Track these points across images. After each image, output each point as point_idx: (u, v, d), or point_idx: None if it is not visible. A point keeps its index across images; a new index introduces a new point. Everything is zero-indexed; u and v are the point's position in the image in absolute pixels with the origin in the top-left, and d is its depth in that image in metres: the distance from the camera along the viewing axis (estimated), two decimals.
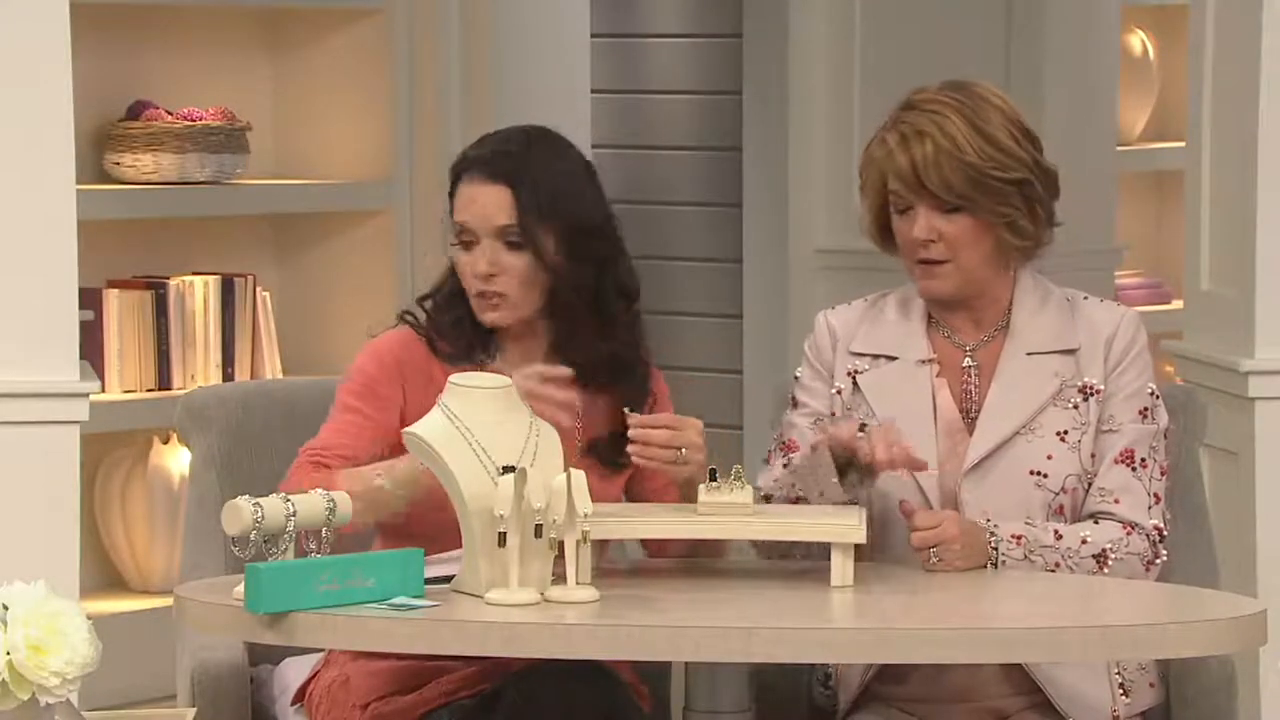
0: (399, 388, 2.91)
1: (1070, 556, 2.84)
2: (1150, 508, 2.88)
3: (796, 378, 2.98)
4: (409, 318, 2.96)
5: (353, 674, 2.87)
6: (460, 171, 2.93)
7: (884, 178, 2.89)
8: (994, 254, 2.90)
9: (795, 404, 2.97)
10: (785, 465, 2.87)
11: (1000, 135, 2.86)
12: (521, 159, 2.89)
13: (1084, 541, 2.85)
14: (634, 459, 2.80)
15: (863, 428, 2.75)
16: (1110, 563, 2.85)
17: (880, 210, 2.92)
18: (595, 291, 2.90)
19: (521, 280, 2.88)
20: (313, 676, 2.95)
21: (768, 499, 2.85)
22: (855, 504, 2.79)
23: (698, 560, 2.93)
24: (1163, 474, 2.91)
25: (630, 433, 2.77)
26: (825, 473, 2.78)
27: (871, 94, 5.69)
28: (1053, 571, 2.83)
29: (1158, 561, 2.89)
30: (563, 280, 2.88)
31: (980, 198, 2.84)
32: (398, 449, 2.83)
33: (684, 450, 2.77)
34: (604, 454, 2.91)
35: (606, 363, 2.92)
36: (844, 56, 5.76)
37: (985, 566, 2.82)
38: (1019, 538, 2.83)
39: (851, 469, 2.80)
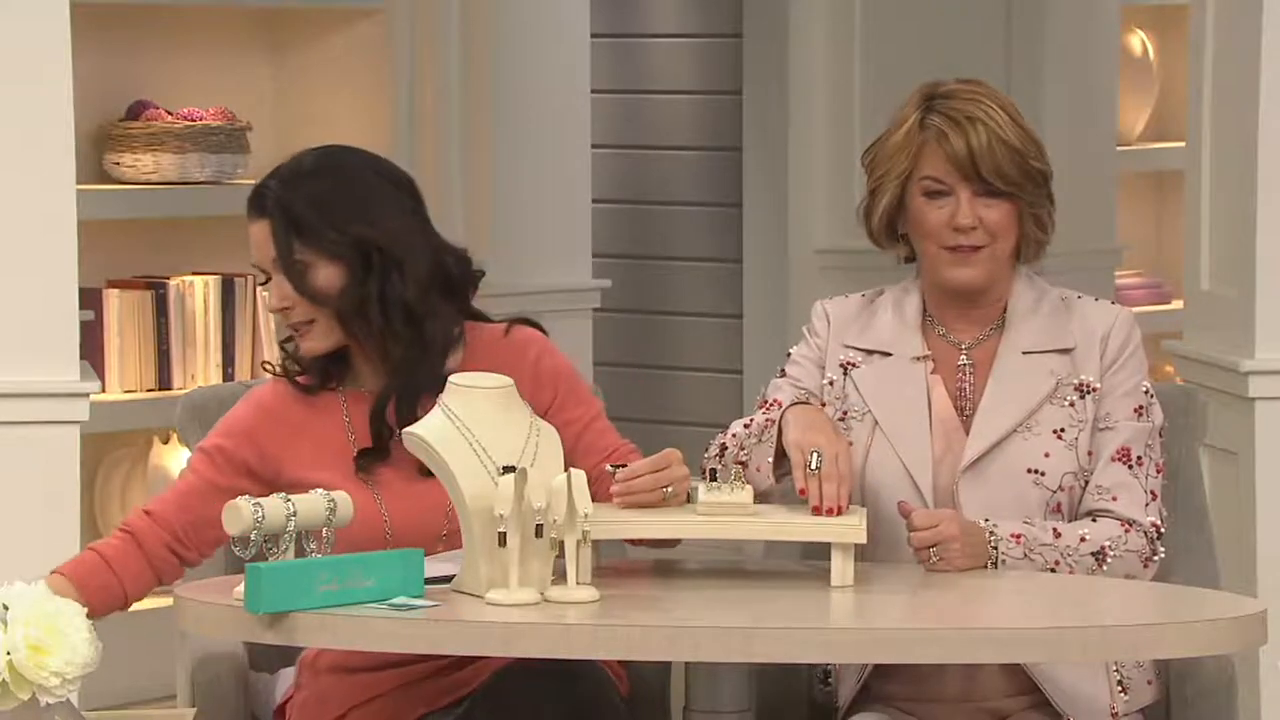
0: (252, 446, 2.89)
1: (1069, 555, 2.84)
2: (1147, 505, 2.89)
3: (789, 354, 2.99)
4: (266, 366, 2.98)
5: (326, 688, 2.86)
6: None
7: (915, 164, 2.88)
8: (1016, 246, 2.91)
9: (783, 373, 2.97)
10: (746, 426, 2.87)
11: (1027, 126, 2.89)
12: (278, 190, 2.87)
13: (1082, 539, 2.85)
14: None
15: (817, 463, 2.72)
16: (1109, 560, 2.85)
17: (897, 201, 2.92)
18: (383, 305, 2.85)
19: (310, 307, 2.87)
20: (287, 699, 2.93)
21: (724, 449, 2.85)
22: (770, 494, 2.80)
23: (699, 560, 2.93)
24: (1158, 472, 2.91)
25: (613, 489, 2.74)
26: (761, 457, 2.79)
27: (871, 94, 5.69)
28: (1052, 570, 2.83)
29: (1155, 558, 2.89)
30: (340, 303, 2.85)
31: (1025, 184, 2.86)
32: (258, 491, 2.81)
33: (670, 488, 2.75)
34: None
35: (419, 361, 2.86)
36: (844, 57, 5.76)
37: (985, 566, 2.82)
38: (1018, 536, 2.83)
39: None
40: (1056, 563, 2.83)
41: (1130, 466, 2.88)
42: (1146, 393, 2.93)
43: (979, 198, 2.87)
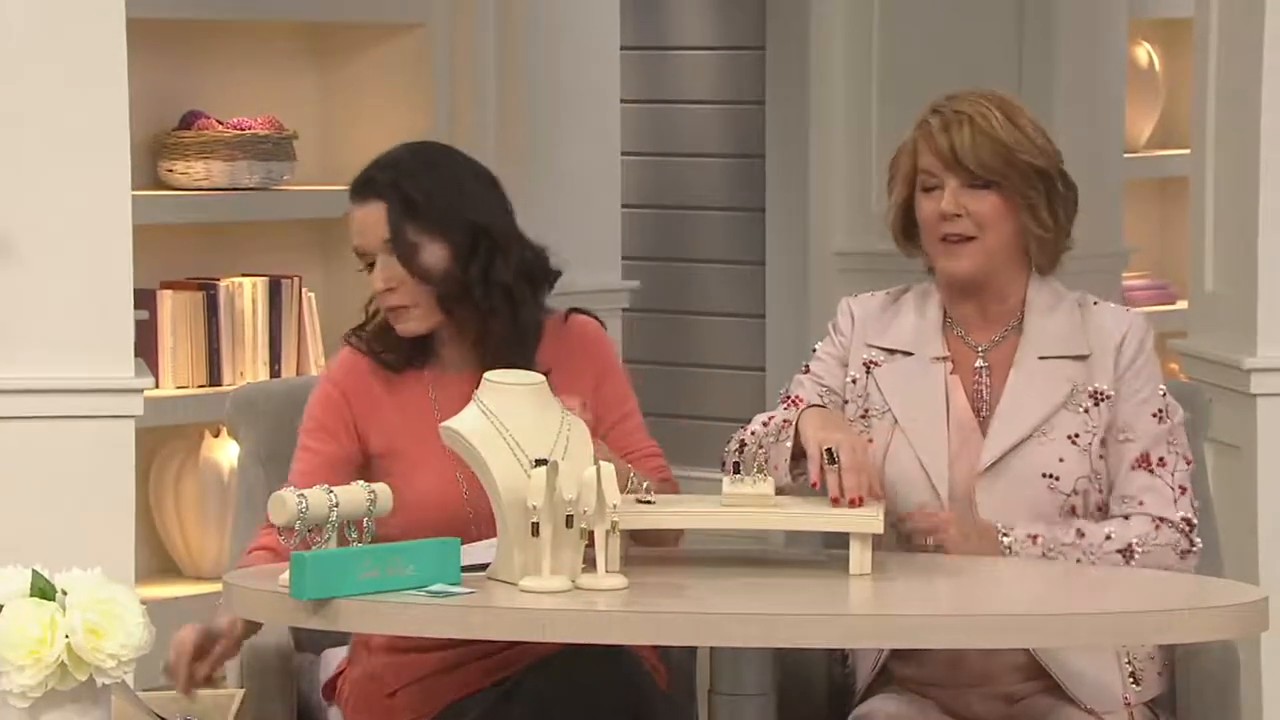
0: (345, 415, 2.92)
1: (1092, 552, 2.79)
2: (1176, 500, 2.84)
3: (814, 350, 2.97)
4: (350, 339, 2.98)
5: (379, 667, 2.86)
6: (349, 198, 2.95)
7: (915, 161, 2.87)
8: (1014, 239, 2.88)
9: (807, 370, 2.96)
10: (765, 424, 2.85)
11: (1029, 129, 2.87)
12: (391, 175, 2.90)
13: (1108, 537, 2.81)
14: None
15: (831, 457, 2.71)
16: (1136, 556, 2.80)
17: (907, 202, 2.91)
18: (486, 286, 2.89)
19: (415, 289, 2.88)
20: (339, 673, 2.94)
21: (743, 445, 2.83)
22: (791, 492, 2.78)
23: (723, 549, 2.92)
24: (1187, 464, 2.87)
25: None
26: (779, 455, 2.78)
27: (888, 104, 5.68)
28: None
29: (1194, 550, 2.84)
30: (445, 283, 2.88)
31: (1010, 174, 2.84)
32: (362, 471, 2.87)
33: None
34: None
35: (515, 343, 2.90)
36: (862, 68, 5.75)
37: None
38: (1035, 537, 2.79)
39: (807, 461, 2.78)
40: (1078, 561, 2.78)
41: (1151, 470, 2.85)
42: (1163, 395, 2.89)
43: (966, 188, 2.85)
